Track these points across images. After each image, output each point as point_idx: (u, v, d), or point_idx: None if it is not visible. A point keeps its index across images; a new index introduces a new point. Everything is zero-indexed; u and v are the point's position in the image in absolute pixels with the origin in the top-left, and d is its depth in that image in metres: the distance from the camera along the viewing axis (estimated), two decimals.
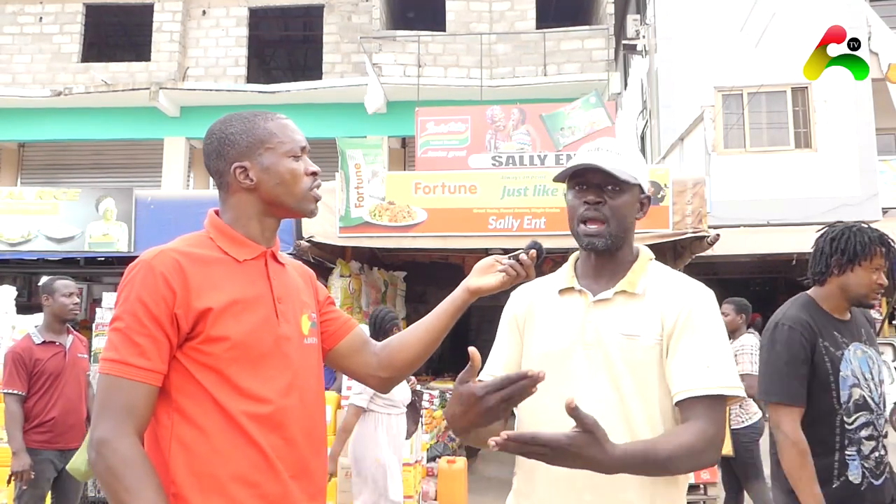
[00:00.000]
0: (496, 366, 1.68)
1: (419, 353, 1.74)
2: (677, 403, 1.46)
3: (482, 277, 1.72)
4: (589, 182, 1.56)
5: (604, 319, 1.53)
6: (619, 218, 1.55)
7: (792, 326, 2.34)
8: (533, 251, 1.70)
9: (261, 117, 1.58)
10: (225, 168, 1.55)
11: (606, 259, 1.60)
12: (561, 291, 1.63)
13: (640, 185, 1.58)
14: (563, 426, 1.25)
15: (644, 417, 1.47)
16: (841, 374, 2.29)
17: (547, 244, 1.83)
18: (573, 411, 1.20)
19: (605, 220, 1.55)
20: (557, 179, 1.63)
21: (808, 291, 2.49)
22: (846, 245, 2.38)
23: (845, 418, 2.28)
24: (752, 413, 4.88)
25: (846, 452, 2.27)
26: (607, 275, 1.59)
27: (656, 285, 1.56)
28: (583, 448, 1.22)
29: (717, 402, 1.44)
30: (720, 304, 2.72)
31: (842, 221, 2.56)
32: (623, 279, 1.56)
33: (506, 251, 1.74)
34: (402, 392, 4.45)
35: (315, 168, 1.61)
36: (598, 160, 1.55)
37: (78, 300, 4.33)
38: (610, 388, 1.48)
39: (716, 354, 1.47)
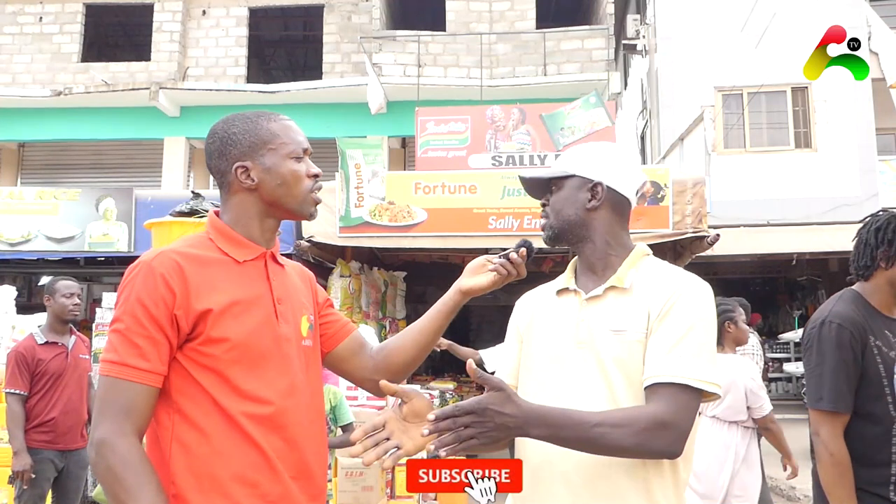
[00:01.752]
0: (501, 373, 1.69)
1: (415, 355, 1.74)
2: (646, 391, 1.41)
3: (473, 278, 1.73)
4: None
5: (595, 317, 1.53)
6: (556, 211, 1.62)
7: (841, 324, 2.09)
8: (523, 249, 1.71)
9: (264, 118, 1.58)
10: (226, 167, 1.55)
11: (588, 254, 1.61)
12: (558, 293, 1.64)
13: (576, 176, 1.59)
14: None
15: None
16: None
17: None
18: (477, 376, 1.30)
19: (547, 217, 1.65)
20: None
21: (852, 286, 2.25)
22: (894, 235, 2.15)
23: None
24: None
25: None
26: (599, 272, 1.59)
27: (646, 279, 1.54)
28: (500, 405, 1.29)
29: (684, 392, 1.38)
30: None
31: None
32: (613, 275, 1.56)
33: (505, 251, 1.75)
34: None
35: (317, 170, 1.61)
36: (523, 172, 1.73)
37: (79, 301, 4.34)
38: (603, 385, 1.47)
39: (690, 344, 1.41)
